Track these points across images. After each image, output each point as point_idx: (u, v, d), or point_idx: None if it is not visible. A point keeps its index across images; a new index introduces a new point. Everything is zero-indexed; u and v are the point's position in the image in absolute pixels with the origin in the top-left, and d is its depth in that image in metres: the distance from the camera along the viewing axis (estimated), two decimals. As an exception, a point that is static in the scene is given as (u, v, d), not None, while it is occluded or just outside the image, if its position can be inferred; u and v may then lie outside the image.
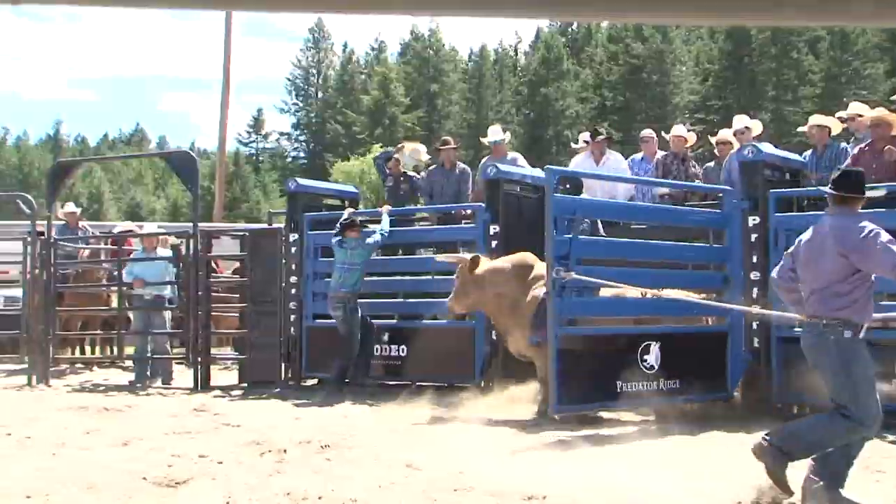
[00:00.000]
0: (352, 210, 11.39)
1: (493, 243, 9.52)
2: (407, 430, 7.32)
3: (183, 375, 11.56)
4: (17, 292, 13.28)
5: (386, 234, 10.39)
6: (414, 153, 12.16)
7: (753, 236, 8.46)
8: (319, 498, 4.87)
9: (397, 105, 63.40)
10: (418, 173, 12.32)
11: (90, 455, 6.33)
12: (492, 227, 9.64)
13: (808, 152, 9.50)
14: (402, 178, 11.94)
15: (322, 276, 10.89)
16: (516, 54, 73.61)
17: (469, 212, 10.64)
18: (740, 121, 10.18)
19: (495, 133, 11.51)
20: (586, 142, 10.82)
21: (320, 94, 73.07)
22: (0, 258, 14.15)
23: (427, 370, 10.15)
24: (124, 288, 12.18)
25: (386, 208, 11.01)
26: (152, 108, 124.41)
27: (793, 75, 57.42)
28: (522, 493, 4.97)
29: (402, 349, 10.32)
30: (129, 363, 12.72)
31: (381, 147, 12.47)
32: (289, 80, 73.86)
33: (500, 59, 71.72)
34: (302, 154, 73.77)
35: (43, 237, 12.38)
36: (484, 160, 11.44)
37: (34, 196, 14.75)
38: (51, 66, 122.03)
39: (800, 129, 10.87)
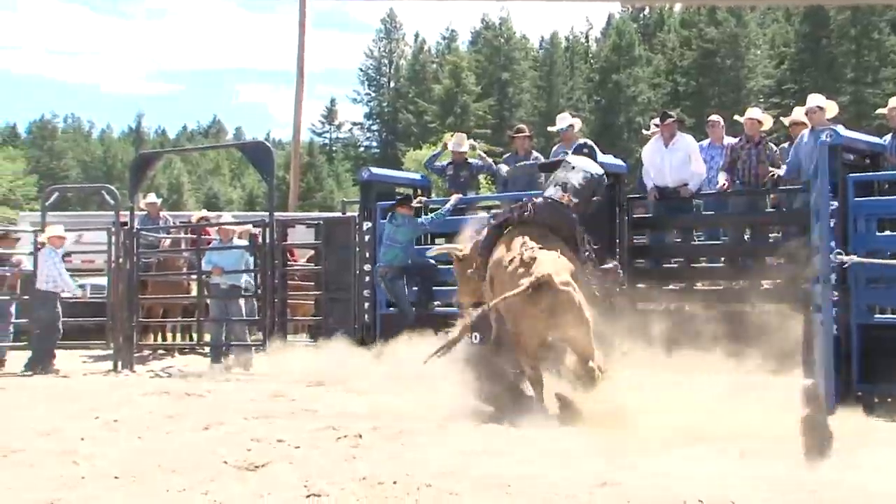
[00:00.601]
0: (423, 199, 11.48)
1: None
2: (480, 416, 7.31)
3: (260, 362, 11.75)
4: (103, 281, 13.64)
5: (437, 220, 10.53)
6: (457, 142, 12.09)
7: (832, 221, 8.23)
8: (394, 483, 4.91)
9: (468, 93, 63.34)
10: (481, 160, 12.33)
11: (173, 438, 6.49)
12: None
13: (889, 136, 9.22)
14: (461, 165, 11.92)
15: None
16: (587, 41, 72.87)
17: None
18: (813, 99, 9.89)
19: (564, 120, 11.44)
20: (657, 125, 10.68)
21: (392, 84, 73.38)
22: (86, 248, 14.54)
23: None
24: (203, 276, 12.41)
25: (455, 197, 11.04)
26: (229, 100, 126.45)
27: (873, 56, 55.80)
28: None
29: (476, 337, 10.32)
30: (207, 349, 12.97)
31: (452, 136, 12.41)
32: (361, 70, 74.37)
33: (572, 46, 71.08)
34: (374, 143, 74.23)
35: (126, 227, 12.69)
36: (555, 148, 11.38)
37: (117, 187, 15.14)
38: (131, 60, 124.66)
39: (879, 111, 10.54)
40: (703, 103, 54.93)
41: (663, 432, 5.99)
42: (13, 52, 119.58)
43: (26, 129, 77.14)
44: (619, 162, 10.28)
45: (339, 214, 15.45)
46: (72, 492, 4.88)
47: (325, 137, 75.55)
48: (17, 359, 12.17)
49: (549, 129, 12.23)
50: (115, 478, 5.16)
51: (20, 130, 76.82)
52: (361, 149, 74.48)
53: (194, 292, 13.08)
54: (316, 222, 13.59)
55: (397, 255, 10.63)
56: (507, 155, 12.12)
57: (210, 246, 12.73)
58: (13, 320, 12.41)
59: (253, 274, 12.42)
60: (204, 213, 15.33)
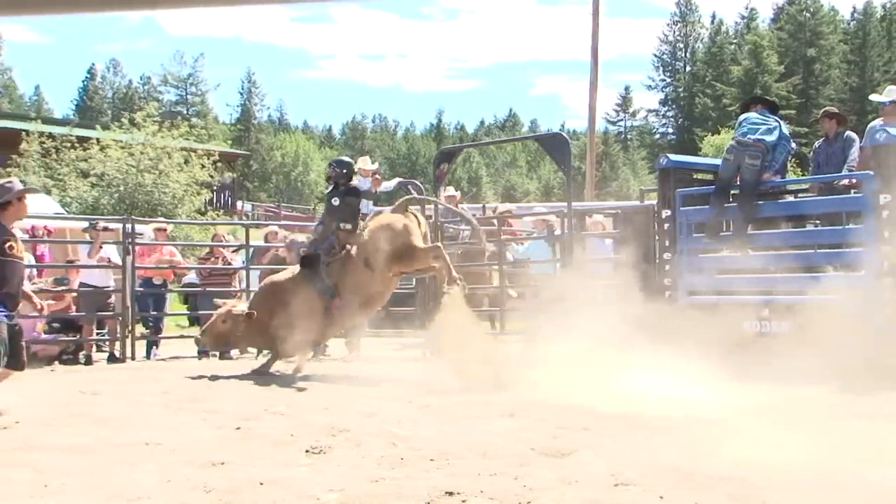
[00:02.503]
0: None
1: (884, 213, 8.76)
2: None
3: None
4: (411, 271, 14.35)
5: None
6: None
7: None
8: (708, 477, 4.79)
9: (770, 73, 60.38)
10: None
11: (483, 424, 6.72)
12: (881, 197, 8.87)
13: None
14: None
15: (696, 252, 10.67)
16: (907, 7, 66.95)
17: (854, 181, 9.86)
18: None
19: (892, 92, 10.52)
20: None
21: (688, 68, 71.44)
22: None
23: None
24: (506, 267, 12.71)
25: None
26: (524, 92, 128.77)
27: None
28: None
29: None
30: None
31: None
32: (656, 56, 73.18)
33: (889, 14, 65.55)
34: (670, 130, 72.73)
35: (430, 220, 13.27)
36: (871, 124, 10.51)
37: (421, 182, 15.87)
38: (431, 60, 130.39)
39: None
40: None
41: None
42: (330, 61, 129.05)
43: (340, 131, 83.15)
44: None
45: (636, 203, 15.25)
46: (393, 471, 5.18)
47: (619, 126, 75.06)
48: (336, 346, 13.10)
49: (872, 98, 11.30)
50: (431, 460, 5.42)
51: (335, 132, 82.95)
52: (657, 136, 73.23)
53: (496, 283, 13.43)
54: (614, 211, 13.45)
55: None
56: (822, 140, 11.37)
57: (514, 237, 13.00)
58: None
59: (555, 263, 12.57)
60: (507, 205, 15.72)
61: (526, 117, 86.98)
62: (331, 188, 11.13)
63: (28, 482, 4.93)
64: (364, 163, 13.81)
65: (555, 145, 13.07)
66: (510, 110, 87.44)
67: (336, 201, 10.79)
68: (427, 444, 5.87)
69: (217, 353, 12.61)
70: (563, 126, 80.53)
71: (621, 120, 75.14)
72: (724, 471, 4.91)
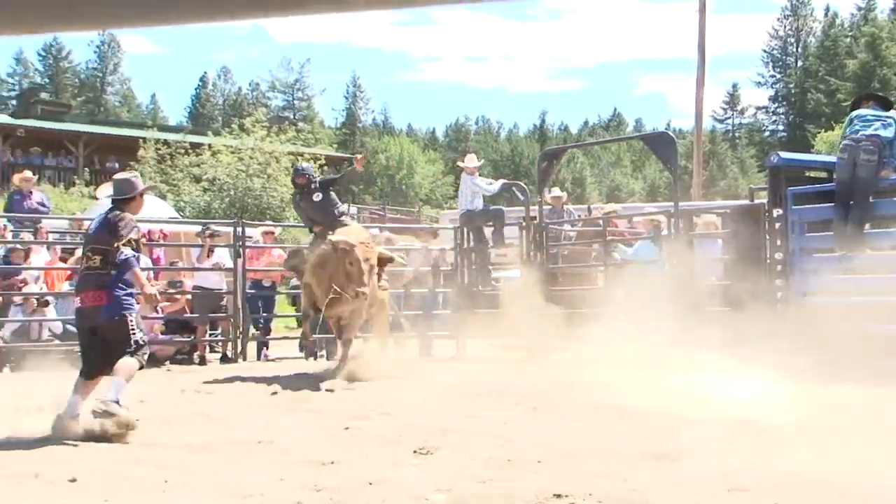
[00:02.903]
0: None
1: None
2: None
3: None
4: (516, 273, 14.35)
5: None
6: None
7: None
8: (822, 484, 4.66)
9: (889, 66, 58.09)
10: None
11: (588, 425, 6.70)
12: None
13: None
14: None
15: (809, 252, 10.37)
16: None
17: None
18: None
19: None
20: None
21: (800, 63, 69.41)
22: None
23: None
24: (612, 266, 12.59)
25: None
26: (628, 92, 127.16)
27: None
28: None
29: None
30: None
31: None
32: (765, 52, 71.34)
33: None
34: (780, 127, 70.83)
35: (535, 221, 13.25)
36: None
37: (525, 183, 15.85)
38: (534, 61, 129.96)
39: None
40: None
41: None
42: (434, 63, 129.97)
43: (444, 133, 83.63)
44: None
45: (746, 202, 14.89)
46: (500, 472, 5.19)
47: (727, 124, 73.40)
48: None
49: None
50: (538, 462, 5.42)
51: (438, 134, 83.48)
52: (766, 133, 71.38)
53: (601, 283, 13.32)
54: (723, 210, 13.17)
55: None
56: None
57: (620, 238, 12.87)
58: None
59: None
60: (612, 206, 15.56)
61: (630, 117, 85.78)
62: (302, 192, 11.10)
63: (149, 478, 5.12)
64: (470, 160, 13.90)
65: (661, 144, 12.89)
66: (614, 110, 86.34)
67: (318, 196, 10.84)
68: (533, 446, 5.87)
69: (325, 354, 12.85)
70: (668, 125, 79.01)
71: (729, 118, 73.48)
72: (839, 477, 4.76)
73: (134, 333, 6.59)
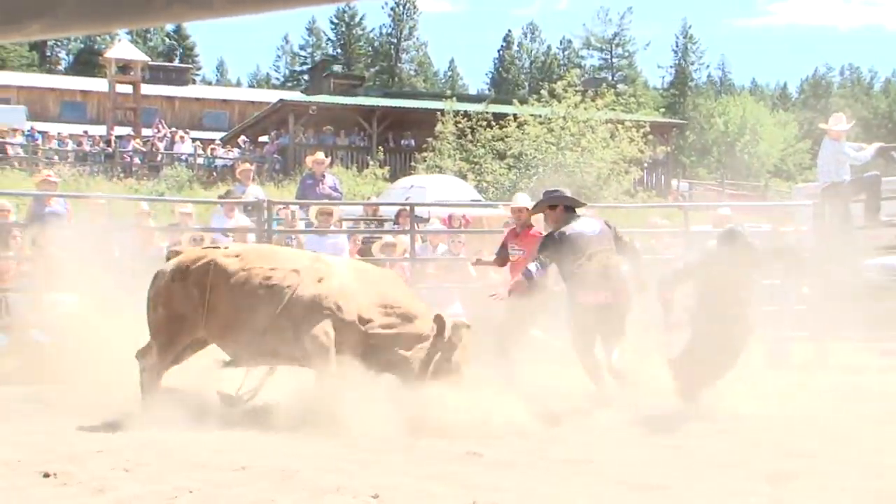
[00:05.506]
0: None
1: None
2: None
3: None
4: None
5: None
6: None
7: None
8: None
9: None
10: None
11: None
12: None
13: None
14: None
15: None
16: None
17: None
18: None
19: None
20: None
21: None
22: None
23: None
24: None
25: None
26: None
27: None
28: None
29: None
30: None
31: None
32: None
33: None
34: None
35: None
36: None
37: (906, 145, 14.83)
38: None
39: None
40: None
41: None
42: (782, 4, 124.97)
43: (797, 88, 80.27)
44: None
45: None
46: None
47: None
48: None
49: None
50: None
51: (791, 90, 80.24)
52: None
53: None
54: None
55: None
56: None
57: None
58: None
59: None
60: None
61: None
62: None
63: (455, 497, 5.32)
64: (836, 121, 13.10)
65: None
66: None
67: None
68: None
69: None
70: None
71: None
72: None
73: None
